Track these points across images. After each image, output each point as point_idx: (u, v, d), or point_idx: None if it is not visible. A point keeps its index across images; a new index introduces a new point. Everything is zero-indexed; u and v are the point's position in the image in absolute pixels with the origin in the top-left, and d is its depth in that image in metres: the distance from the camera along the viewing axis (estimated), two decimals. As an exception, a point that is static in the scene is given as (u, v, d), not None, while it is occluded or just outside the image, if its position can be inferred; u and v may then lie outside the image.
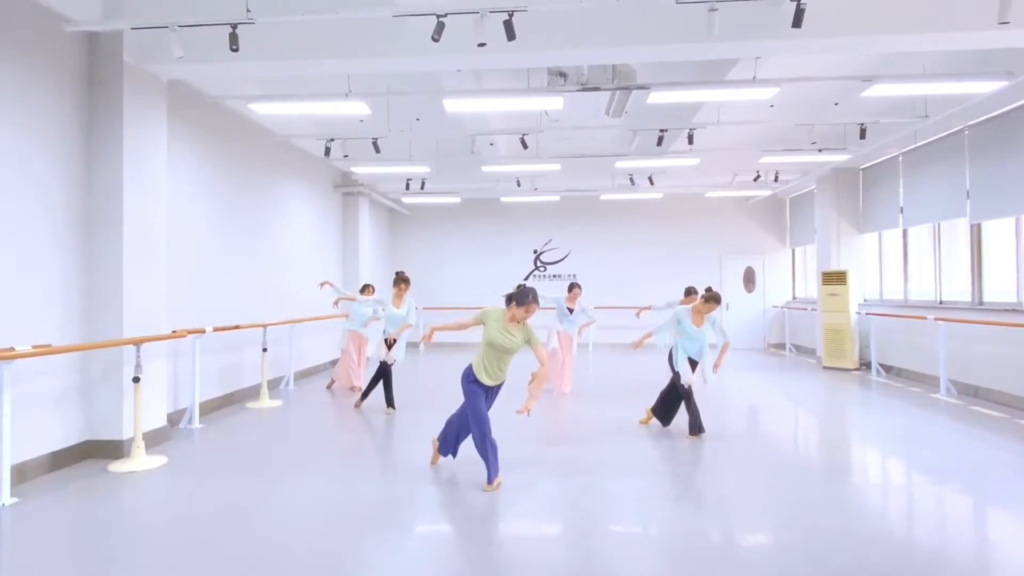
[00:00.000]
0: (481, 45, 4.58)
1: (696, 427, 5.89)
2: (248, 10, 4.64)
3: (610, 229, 14.77)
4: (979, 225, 8.13)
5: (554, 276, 14.92)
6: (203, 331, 6.55)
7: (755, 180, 11.34)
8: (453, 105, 6.72)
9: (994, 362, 7.57)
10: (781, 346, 13.91)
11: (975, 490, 4.44)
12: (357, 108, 6.74)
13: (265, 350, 7.78)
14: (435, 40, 4.55)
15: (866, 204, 11.03)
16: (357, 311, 8.60)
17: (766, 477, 4.75)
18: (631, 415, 6.82)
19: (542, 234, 15.06)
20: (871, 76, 6.24)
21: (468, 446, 4.79)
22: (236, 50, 4.66)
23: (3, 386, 4.16)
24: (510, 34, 4.48)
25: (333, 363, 10.79)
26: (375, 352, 7.25)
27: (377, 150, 8.35)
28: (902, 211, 9.75)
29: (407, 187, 11.86)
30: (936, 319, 8.19)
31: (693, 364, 6.07)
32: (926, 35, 4.85)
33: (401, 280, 7.16)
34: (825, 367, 10.83)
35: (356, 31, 5.21)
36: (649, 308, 8.77)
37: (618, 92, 7.05)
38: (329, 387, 8.94)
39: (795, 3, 4.37)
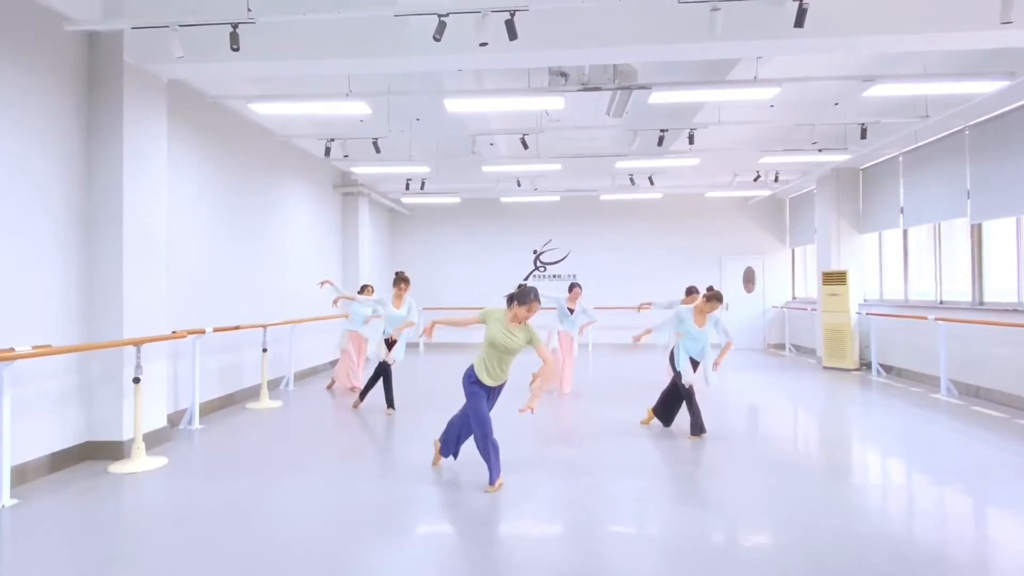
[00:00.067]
0: (483, 45, 4.57)
1: (697, 427, 5.88)
2: (249, 10, 4.62)
3: (610, 229, 14.76)
4: (979, 225, 8.13)
5: (554, 276, 14.91)
6: (203, 331, 6.53)
7: (755, 180, 11.34)
8: (454, 105, 6.72)
9: (995, 362, 7.57)
10: (781, 346, 13.92)
11: (975, 490, 4.44)
12: (357, 108, 6.72)
13: (265, 350, 7.77)
14: (436, 40, 4.54)
15: (866, 204, 11.03)
16: (357, 311, 8.59)
17: (767, 477, 4.75)
18: (632, 415, 6.81)
19: (542, 234, 15.05)
20: (872, 76, 6.24)
21: (470, 447, 4.78)
22: (237, 50, 4.65)
23: (3, 387, 4.14)
24: (512, 34, 4.47)
25: (333, 363, 10.77)
26: (375, 352, 7.24)
27: (377, 150, 8.34)
28: (902, 211, 9.75)
29: (407, 187, 11.85)
30: (937, 319, 8.19)
31: (695, 364, 6.06)
32: (928, 35, 4.85)
33: (401, 280, 7.16)
34: (825, 367, 10.83)
35: (357, 31, 5.20)
36: (650, 304, 8.76)
37: (619, 92, 7.04)
38: (329, 387, 8.92)
39: (797, 3, 4.37)
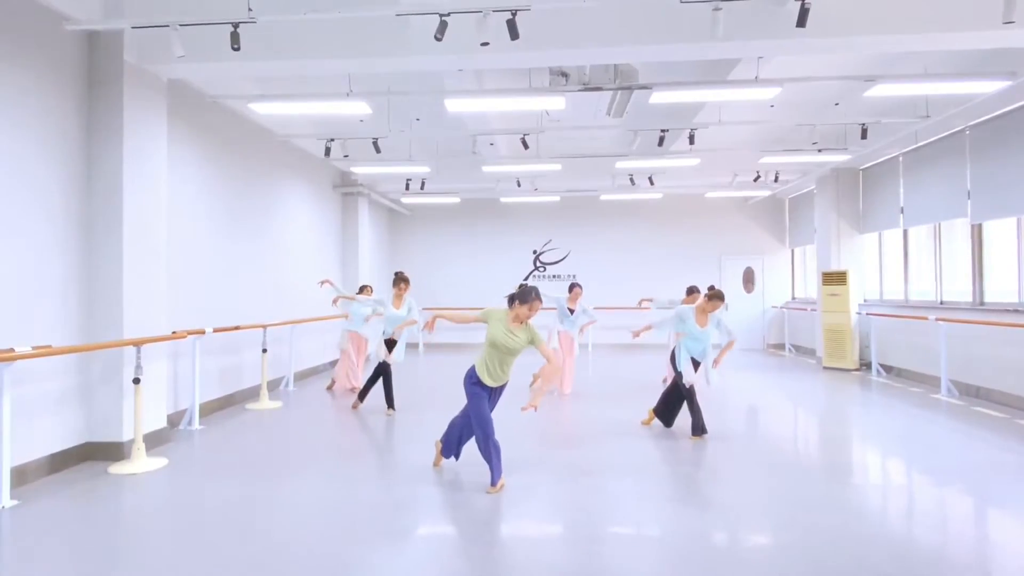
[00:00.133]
0: (484, 44, 4.56)
1: (698, 428, 5.87)
2: (250, 9, 4.61)
3: (610, 229, 14.76)
4: (980, 225, 8.14)
5: (554, 276, 14.91)
6: (203, 332, 6.52)
7: (755, 180, 11.34)
8: (455, 105, 6.71)
9: (995, 363, 7.57)
10: (780, 346, 13.92)
11: (976, 490, 4.44)
12: (358, 108, 6.71)
13: (265, 351, 7.76)
14: (438, 39, 4.53)
15: (866, 204, 11.03)
16: (356, 311, 8.58)
17: (767, 478, 4.74)
18: (632, 415, 6.80)
19: (542, 234, 15.05)
20: (873, 76, 6.24)
21: (471, 448, 4.77)
22: (237, 49, 4.64)
23: (3, 387, 4.13)
24: (513, 33, 4.46)
25: (332, 364, 10.76)
26: (375, 352, 7.23)
27: (377, 150, 8.33)
28: (902, 211, 9.76)
29: (407, 187, 11.84)
30: (937, 319, 8.19)
31: (696, 364, 6.06)
32: (928, 35, 4.84)
33: (401, 280, 7.15)
34: (825, 367, 10.83)
35: (358, 30, 5.19)
36: (651, 300, 8.78)
37: (620, 92, 7.04)
38: (329, 388, 8.91)
39: (799, 3, 4.36)
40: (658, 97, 6.36)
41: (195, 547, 3.48)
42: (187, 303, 6.72)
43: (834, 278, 10.87)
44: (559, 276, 14.81)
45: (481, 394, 4.50)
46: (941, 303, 8.91)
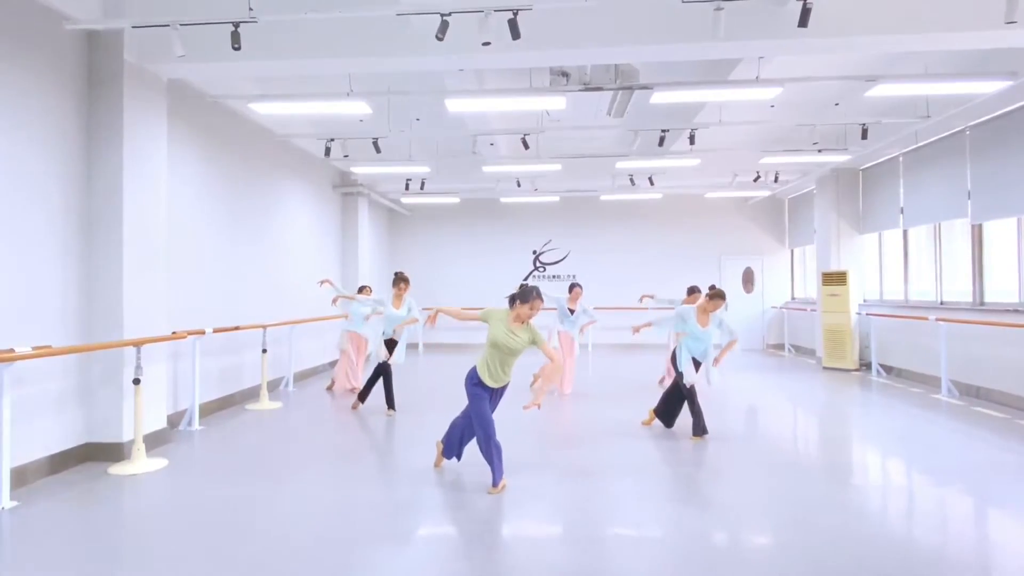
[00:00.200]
0: (486, 44, 4.55)
1: (699, 428, 5.87)
2: (250, 8, 4.59)
3: (609, 230, 14.75)
4: (980, 225, 8.14)
5: (553, 277, 14.90)
6: (203, 332, 6.51)
7: (755, 180, 11.34)
8: (456, 105, 6.70)
9: (995, 363, 7.57)
10: (780, 347, 13.92)
11: (976, 491, 4.44)
12: (358, 108, 6.70)
13: (265, 351, 7.74)
14: (439, 39, 4.52)
15: (866, 204, 11.04)
16: (356, 311, 8.57)
17: (767, 478, 4.74)
18: (633, 416, 6.80)
19: (542, 235, 15.04)
20: (874, 76, 6.24)
21: (472, 448, 4.76)
22: (238, 49, 4.62)
23: (3, 388, 4.12)
24: (515, 33, 4.45)
25: (332, 364, 10.74)
26: (375, 352, 7.21)
27: (377, 150, 8.32)
28: (902, 211, 9.76)
29: (407, 187, 11.83)
30: (937, 319, 8.19)
31: (697, 365, 6.05)
32: (929, 35, 4.85)
33: (401, 280, 7.13)
34: (825, 368, 10.83)
35: (359, 30, 5.18)
36: (652, 297, 8.78)
37: (620, 92, 7.04)
38: (329, 388, 8.90)
39: (800, 2, 4.36)
40: (659, 97, 6.36)
41: (195, 548, 3.47)
42: (187, 303, 6.71)
43: (834, 278, 10.87)
44: (559, 276, 14.81)
45: (482, 395, 4.49)
46: (941, 303, 8.92)
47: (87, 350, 4.95)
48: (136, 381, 5.02)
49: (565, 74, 6.71)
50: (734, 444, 5.74)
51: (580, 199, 14.31)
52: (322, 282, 8.74)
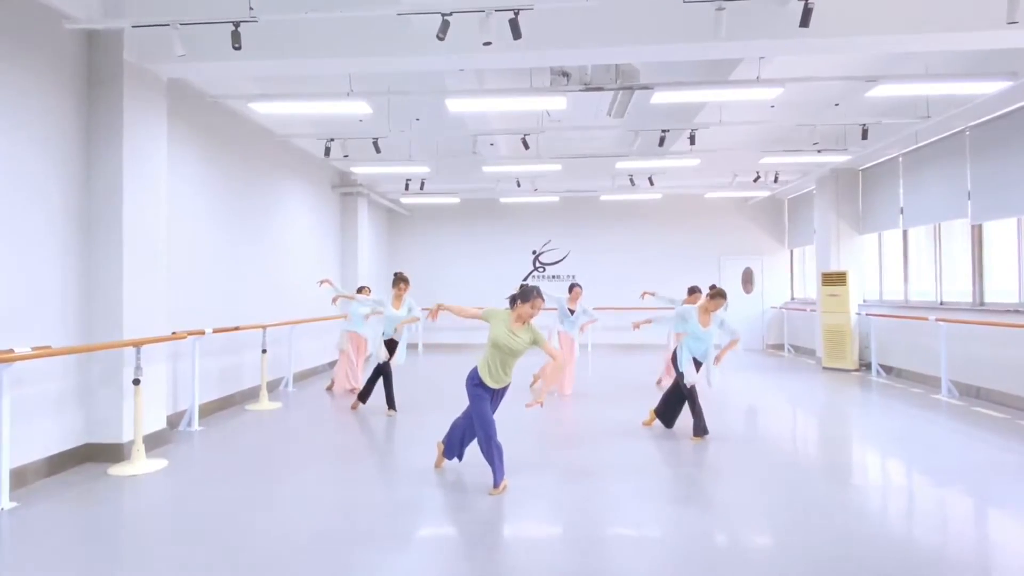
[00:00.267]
0: (487, 44, 4.55)
1: (700, 429, 5.86)
2: (251, 8, 4.59)
3: (609, 230, 14.75)
4: (980, 226, 8.14)
5: (553, 277, 14.90)
6: (203, 332, 6.50)
7: (755, 181, 11.34)
8: (456, 105, 6.70)
9: (995, 363, 7.57)
10: (779, 347, 13.92)
11: (976, 491, 4.44)
12: (358, 107, 6.69)
13: (264, 351, 7.73)
14: (440, 39, 4.51)
15: (866, 205, 11.04)
16: (355, 311, 8.56)
17: (768, 478, 4.74)
18: (633, 416, 6.79)
19: (541, 235, 15.04)
20: (874, 76, 6.24)
21: (473, 449, 4.75)
22: (238, 48, 4.62)
23: (2, 388, 4.10)
24: (516, 33, 4.45)
25: (332, 364, 10.73)
26: (375, 352, 7.20)
27: (377, 150, 8.31)
28: (902, 212, 9.76)
29: (407, 187, 11.82)
30: (937, 320, 8.19)
31: (698, 365, 6.05)
32: (929, 35, 4.84)
33: (400, 280, 7.12)
34: (825, 368, 10.83)
35: (360, 30, 5.17)
36: (653, 294, 8.80)
37: (621, 92, 7.03)
38: (329, 389, 8.89)
39: (802, 2, 4.36)
40: (659, 97, 6.35)
41: (195, 548, 3.46)
42: (187, 303, 6.70)
43: (834, 278, 10.87)
44: (559, 276, 14.80)
45: (483, 395, 4.48)
46: (941, 303, 8.92)
47: (87, 350, 4.94)
48: (136, 381, 5.02)
49: (565, 74, 6.71)
50: (734, 444, 5.74)
51: (580, 199, 14.31)
52: (321, 282, 8.74)
